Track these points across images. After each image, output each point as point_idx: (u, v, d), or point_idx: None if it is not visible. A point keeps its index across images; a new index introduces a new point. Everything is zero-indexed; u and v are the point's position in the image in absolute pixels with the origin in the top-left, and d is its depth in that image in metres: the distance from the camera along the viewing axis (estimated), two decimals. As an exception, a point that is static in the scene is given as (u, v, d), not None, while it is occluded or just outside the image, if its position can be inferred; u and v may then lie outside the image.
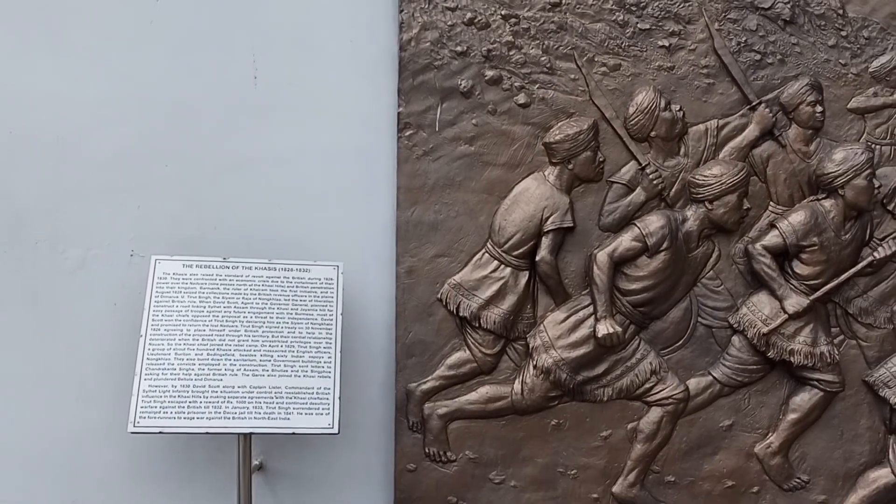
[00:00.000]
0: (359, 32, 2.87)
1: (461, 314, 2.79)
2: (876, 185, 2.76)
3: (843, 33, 2.84)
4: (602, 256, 2.77)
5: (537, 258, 2.78)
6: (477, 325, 2.79)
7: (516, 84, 2.81)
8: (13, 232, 2.79)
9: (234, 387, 2.49)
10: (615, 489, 2.82)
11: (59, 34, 2.80)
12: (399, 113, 2.80)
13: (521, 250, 2.79)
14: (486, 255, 2.81)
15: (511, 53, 2.81)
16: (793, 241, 2.75)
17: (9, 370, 2.78)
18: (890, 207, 2.82)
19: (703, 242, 2.82)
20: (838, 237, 2.77)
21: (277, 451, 2.82)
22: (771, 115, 2.81)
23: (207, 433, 2.47)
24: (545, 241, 2.78)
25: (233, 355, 2.52)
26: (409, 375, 2.81)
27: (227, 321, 2.56)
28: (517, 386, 2.81)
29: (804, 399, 2.81)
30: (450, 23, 2.80)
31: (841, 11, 2.83)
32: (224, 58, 2.84)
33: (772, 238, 2.78)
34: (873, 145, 2.82)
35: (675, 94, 2.83)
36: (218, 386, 2.49)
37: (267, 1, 2.86)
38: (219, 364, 2.51)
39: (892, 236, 2.81)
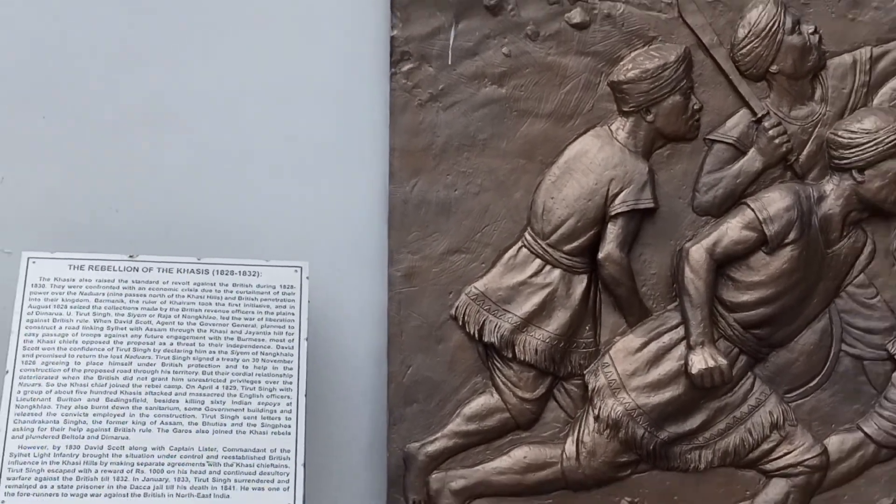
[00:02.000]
0: None
1: (486, 339, 2.81)
2: None
3: None
4: (698, 253, 2.78)
5: (600, 255, 2.80)
6: (510, 355, 2.81)
7: (569, -7, 2.89)
8: None
9: (146, 448, 2.45)
10: None
11: None
12: (393, 37, 2.86)
13: (575, 244, 2.81)
14: (525, 250, 2.84)
15: (563, -54, 2.88)
16: None
17: None
18: None
19: (850, 232, 2.84)
20: None
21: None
22: (957, 39, 2.86)
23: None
24: (612, 230, 2.79)
25: (144, 401, 2.48)
26: (407, 432, 2.82)
27: (134, 349, 2.53)
28: (570, 447, 2.81)
29: None
30: None
31: None
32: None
33: (947, 231, 2.83)
34: None
35: (808, 8, 2.87)
36: (122, 447, 2.44)
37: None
38: (124, 414, 2.46)
39: None
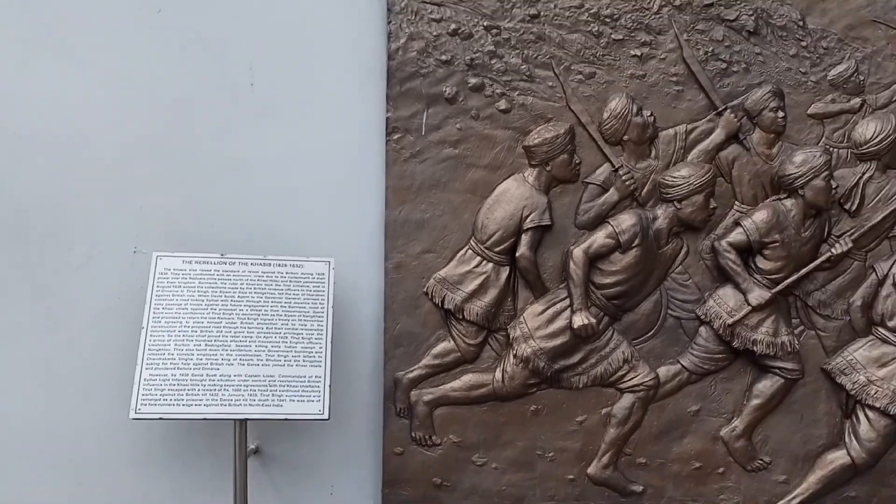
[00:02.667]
0: (350, 43, 2.77)
1: (446, 307, 2.71)
2: (833, 186, 2.68)
3: (804, 44, 2.75)
4: (578, 252, 2.68)
5: (517, 254, 2.70)
6: (461, 317, 2.71)
7: (497, 91, 2.71)
8: (21, 229, 2.70)
9: (230, 376, 2.41)
10: (590, 470, 2.74)
11: (63, 38, 2.71)
12: (388, 118, 2.71)
13: (502, 247, 2.70)
14: (470, 251, 2.72)
15: (493, 62, 2.71)
16: (756, 238, 2.67)
17: (17, 363, 2.70)
18: (847, 206, 2.74)
19: (673, 239, 2.73)
20: (798, 234, 2.69)
21: (273, 437, 2.73)
22: (736, 120, 2.72)
23: (205, 419, 2.40)
24: (525, 238, 2.69)
25: (229, 346, 2.44)
26: (396, 365, 2.73)
27: (223, 314, 2.48)
28: (498, 374, 2.73)
29: (766, 386, 2.73)
30: (435, 33, 2.70)
31: (801, 23, 2.74)
32: (222, 64, 2.75)
33: (736, 235, 2.69)
34: (831, 148, 2.72)
35: (647, 100, 2.74)
36: (215, 375, 2.40)
37: (265, 13, 2.75)
38: (216, 354, 2.42)
39: (847, 234, 2.73)
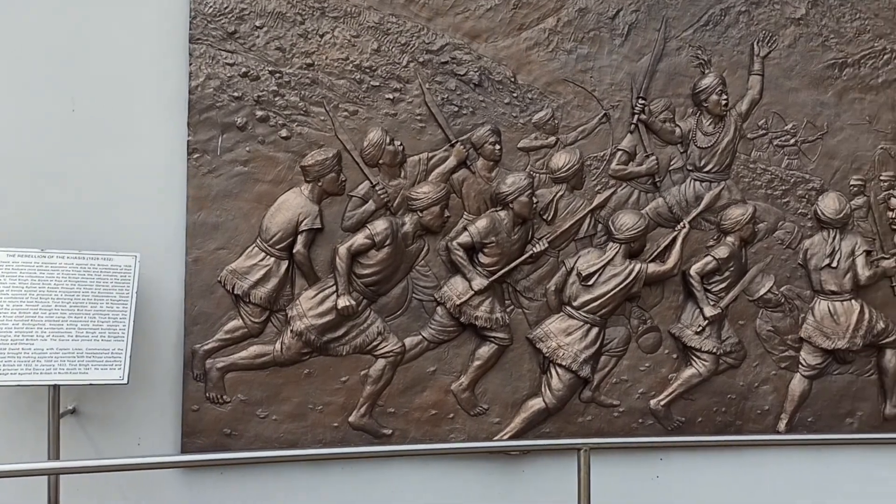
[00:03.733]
0: (158, 79, 3.37)
1: (236, 293, 3.31)
2: (535, 202, 3.56)
3: (515, 95, 3.63)
4: (342, 250, 3.37)
5: (294, 251, 3.35)
6: (247, 300, 3.32)
7: (280, 122, 3.39)
8: None
9: (43, 349, 2.91)
10: (351, 419, 3.44)
11: None
12: (189, 141, 3.31)
13: (282, 245, 3.34)
14: (256, 248, 3.35)
15: (276, 99, 3.40)
16: (478, 239, 3.50)
17: None
18: (545, 217, 3.64)
19: (417, 240, 3.50)
20: (509, 237, 3.54)
21: (89, 400, 3.25)
22: (465, 150, 3.54)
23: (19, 385, 2.92)
24: (300, 238, 3.35)
25: (44, 324, 2.93)
26: (194, 339, 3.31)
27: (40, 298, 2.98)
28: (278, 345, 3.36)
29: (485, 351, 3.56)
30: (229, 75, 3.36)
31: (513, 79, 3.62)
32: (51, 93, 3.28)
33: (463, 237, 3.50)
34: (534, 173, 3.62)
35: (398, 133, 3.50)
36: (30, 348, 2.89)
37: (87, 53, 3.31)
38: (31, 331, 2.91)
39: (544, 237, 3.62)
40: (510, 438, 3.57)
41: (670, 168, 3.78)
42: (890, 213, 3.84)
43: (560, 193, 3.66)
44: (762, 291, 3.78)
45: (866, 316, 3.77)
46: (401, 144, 3.48)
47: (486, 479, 3.59)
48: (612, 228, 3.63)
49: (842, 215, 3.78)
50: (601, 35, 3.71)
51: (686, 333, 3.71)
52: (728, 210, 3.76)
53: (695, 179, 3.78)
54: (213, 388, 3.32)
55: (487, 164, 3.59)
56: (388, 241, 3.39)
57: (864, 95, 3.86)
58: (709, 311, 3.69)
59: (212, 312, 3.32)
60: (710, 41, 3.79)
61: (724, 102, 3.74)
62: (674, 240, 3.70)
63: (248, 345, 3.36)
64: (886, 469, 3.85)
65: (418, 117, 3.53)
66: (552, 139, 3.67)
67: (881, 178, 3.86)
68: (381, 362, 3.46)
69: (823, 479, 3.81)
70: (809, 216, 3.83)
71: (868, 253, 3.80)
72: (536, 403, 3.61)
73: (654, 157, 3.73)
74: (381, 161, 3.45)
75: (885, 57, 3.88)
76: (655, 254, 3.71)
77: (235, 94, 3.36)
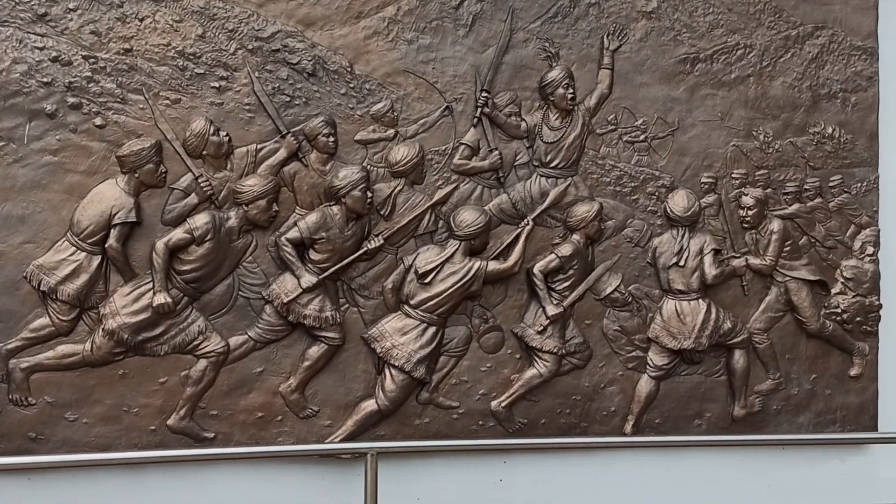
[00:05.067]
0: (-39, 62, 3.19)
1: (42, 289, 3.16)
2: (369, 196, 3.43)
3: (351, 85, 3.51)
4: (160, 245, 3.23)
5: (106, 245, 3.20)
6: (55, 297, 3.17)
7: (94, 110, 3.25)
8: None
9: None
10: (169, 422, 3.30)
11: None
12: None
13: (93, 239, 3.20)
14: (66, 242, 3.21)
15: (90, 86, 3.25)
16: (307, 235, 3.37)
17: None
18: (382, 212, 3.51)
19: (244, 235, 3.36)
20: (342, 233, 3.42)
21: None
22: (296, 142, 3.42)
23: None
24: (113, 232, 3.21)
25: None
26: None
27: None
28: (88, 345, 3.23)
29: (315, 351, 3.43)
30: (38, 59, 3.19)
31: (350, 69, 3.50)
32: None
33: (292, 233, 3.38)
34: (370, 167, 3.50)
35: (224, 123, 3.36)
36: None
37: None
38: None
39: (381, 233, 3.50)
40: (342, 441, 3.44)
41: (515, 163, 3.68)
42: (741, 212, 3.78)
43: (399, 188, 3.54)
44: (609, 290, 3.70)
45: (713, 316, 3.70)
46: (227, 135, 3.34)
47: (318, 483, 3.46)
48: (453, 225, 3.51)
49: (690, 213, 3.70)
50: (444, 25, 3.59)
51: (528, 333, 3.61)
52: (574, 207, 3.66)
53: (541, 175, 3.69)
54: (17, 389, 3.16)
55: (321, 157, 3.46)
56: (209, 237, 3.25)
57: (717, 91, 3.79)
58: (551, 311, 3.59)
59: (16, 310, 3.17)
60: (558, 33, 3.69)
61: (570, 96, 3.64)
62: (517, 237, 3.61)
63: (55, 344, 3.21)
64: (734, 471, 3.79)
65: (247, 107, 3.39)
66: (391, 132, 3.55)
67: (733, 175, 3.79)
68: (202, 362, 3.32)
69: (671, 482, 3.74)
70: (659, 214, 3.75)
71: (717, 252, 3.73)
72: (369, 405, 3.48)
73: (497, 152, 3.63)
74: (204, 152, 3.31)
75: (739, 52, 3.82)
76: (498, 251, 3.61)
77: (45, 79, 3.19)
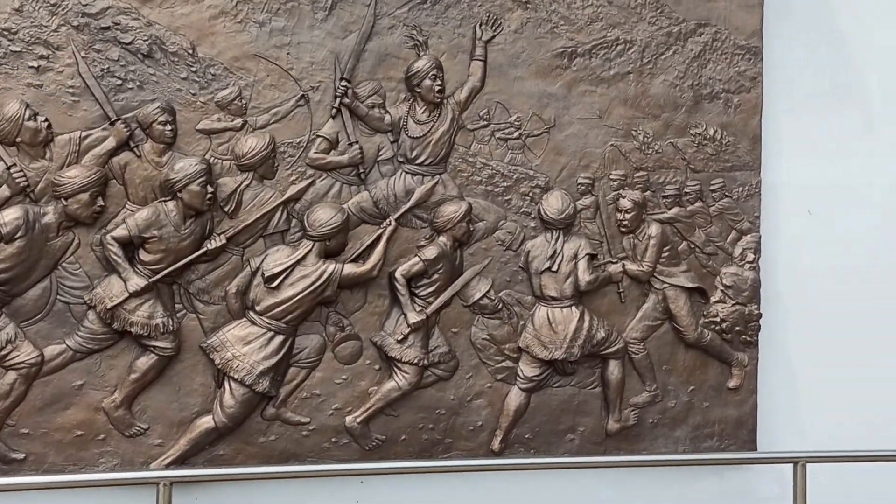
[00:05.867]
0: None
1: None
2: (209, 191, 3.12)
3: (193, 69, 3.20)
4: None
5: None
6: None
7: None
8: None
9: None
10: (-36, 442, 2.97)
11: None
12: None
13: None
14: None
15: None
16: (136, 233, 3.05)
17: None
18: (226, 209, 3.22)
19: (64, 233, 3.03)
20: (178, 231, 3.11)
21: None
22: (127, 130, 3.09)
23: None
24: None
25: None
26: None
27: None
28: None
29: (143, 362, 3.11)
30: None
31: (192, 51, 3.19)
32: None
33: (119, 230, 3.06)
34: (214, 159, 3.19)
35: (44, 107, 3.03)
36: None
37: None
38: None
39: (223, 232, 3.20)
40: (173, 462, 3.11)
41: (379, 159, 3.41)
42: (619, 215, 3.59)
43: (246, 183, 3.23)
44: (477, 296, 3.46)
45: (586, 324, 3.49)
46: (46, 120, 3.00)
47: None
48: (306, 224, 3.23)
49: (565, 215, 3.49)
50: (301, 7, 3.30)
51: (388, 342, 3.34)
52: (441, 207, 3.41)
53: (406, 172, 3.43)
54: None
55: (157, 148, 3.14)
56: (19, 234, 2.91)
57: (595, 88, 3.59)
58: (413, 318, 3.33)
59: None
60: (427, 21, 3.44)
61: (438, 88, 3.40)
62: (378, 238, 3.34)
63: None
64: (609, 489, 3.61)
65: (70, 90, 3.06)
66: (239, 121, 3.24)
67: (611, 176, 3.60)
68: (11, 375, 2.98)
69: (542, 499, 3.54)
70: (533, 216, 3.53)
71: (593, 257, 3.53)
72: (205, 422, 3.17)
73: (358, 146, 3.36)
74: (19, 139, 2.97)
75: (618, 48, 3.63)
76: (357, 253, 3.35)
77: None
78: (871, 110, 3.88)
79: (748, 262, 3.70)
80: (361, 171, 3.38)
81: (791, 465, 3.41)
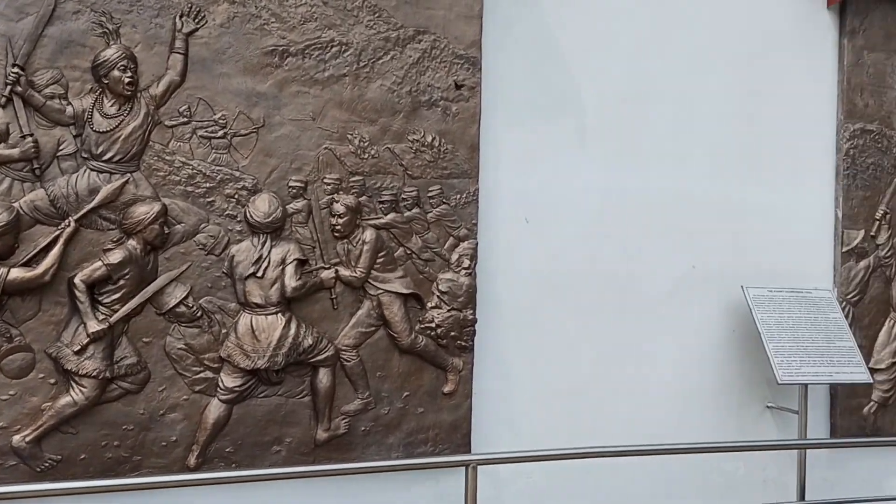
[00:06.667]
0: None
1: None
2: None
3: None
4: None
5: None
6: None
7: None
8: None
9: None
10: None
11: None
12: None
13: None
14: None
15: None
16: None
17: None
18: None
19: None
20: None
21: None
22: None
23: None
24: None
25: None
26: None
27: None
28: None
29: None
30: None
31: None
32: None
33: None
34: None
35: None
36: None
37: None
38: None
39: None
40: None
41: (59, 154, 3.15)
42: (333, 220, 3.55)
43: None
44: (173, 303, 3.27)
45: (292, 331, 3.40)
46: None
47: None
48: (-35, 224, 2.95)
49: (273, 219, 3.39)
50: (-38, -17, 3.03)
51: (64, 353, 3.09)
52: (132, 208, 3.20)
53: (92, 169, 3.18)
54: None
55: None
56: None
57: (309, 89, 3.52)
58: (92, 327, 3.10)
59: None
60: (119, 8, 3.22)
61: (128, 80, 3.19)
62: (55, 240, 3.09)
63: None
64: (320, 500, 3.55)
65: None
66: None
67: (325, 180, 3.53)
68: None
69: (247, 517, 3.42)
70: (239, 219, 3.38)
71: (302, 262, 3.46)
72: None
73: (32, 139, 3.08)
74: None
75: (334, 49, 3.60)
76: (30, 256, 3.07)
77: None
78: (584, 123, 4.08)
79: (464, 269, 3.77)
80: (36, 166, 3.09)
81: (464, 468, 3.46)
